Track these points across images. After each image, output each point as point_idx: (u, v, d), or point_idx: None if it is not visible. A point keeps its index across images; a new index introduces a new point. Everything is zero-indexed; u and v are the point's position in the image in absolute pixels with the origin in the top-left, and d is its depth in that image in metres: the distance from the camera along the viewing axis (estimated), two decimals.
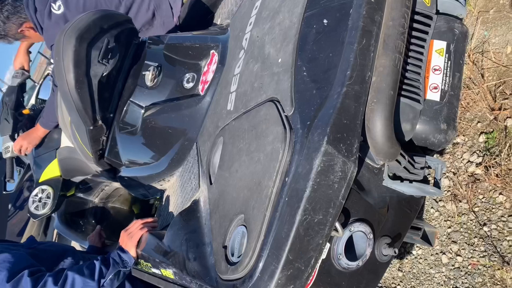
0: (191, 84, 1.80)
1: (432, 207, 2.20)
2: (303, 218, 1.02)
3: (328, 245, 1.12)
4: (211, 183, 1.47)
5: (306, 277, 1.04)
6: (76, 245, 3.16)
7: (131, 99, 1.89)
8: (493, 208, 1.96)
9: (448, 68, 1.32)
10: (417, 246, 2.13)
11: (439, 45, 1.34)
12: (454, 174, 2.15)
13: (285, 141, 1.11)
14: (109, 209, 3.13)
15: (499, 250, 1.88)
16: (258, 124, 1.25)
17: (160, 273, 1.58)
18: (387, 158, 1.13)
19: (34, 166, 3.24)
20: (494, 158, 1.99)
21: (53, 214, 3.15)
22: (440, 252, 2.10)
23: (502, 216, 1.92)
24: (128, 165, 2.18)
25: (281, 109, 1.18)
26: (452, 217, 2.11)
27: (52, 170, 3.16)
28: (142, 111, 1.88)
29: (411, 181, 1.25)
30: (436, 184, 1.28)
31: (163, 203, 1.99)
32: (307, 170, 1.04)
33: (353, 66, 1.10)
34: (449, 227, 2.10)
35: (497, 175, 1.96)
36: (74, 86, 1.73)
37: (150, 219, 1.82)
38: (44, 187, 3.14)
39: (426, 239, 1.58)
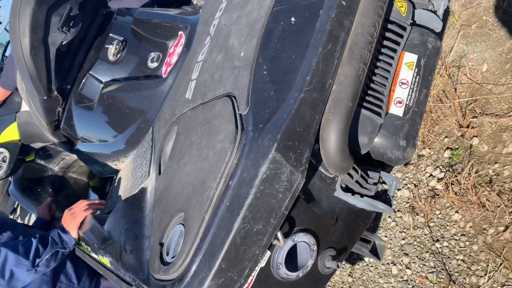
0: (155, 64, 1.72)
1: (389, 217, 2.18)
2: (241, 226, 0.96)
3: (268, 253, 1.07)
4: (159, 173, 1.40)
5: (238, 287, 0.99)
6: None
7: (90, 72, 1.79)
8: (447, 225, 1.95)
9: (416, 83, 1.27)
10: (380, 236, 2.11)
11: (410, 58, 1.29)
12: (415, 186, 2.13)
13: (234, 141, 1.05)
14: (67, 179, 3.03)
15: (447, 268, 1.88)
16: (212, 118, 1.18)
17: (98, 258, 1.51)
18: (338, 171, 1.08)
19: None
20: (456, 176, 1.97)
21: (9, 178, 3.04)
22: (391, 263, 2.09)
23: (455, 234, 1.91)
24: (84, 139, 2.09)
25: (236, 107, 1.12)
26: (408, 229, 2.09)
27: (10, 133, 3.01)
28: (101, 86, 1.79)
29: (362, 196, 1.21)
30: (388, 201, 1.25)
31: (115, 185, 1.92)
32: (252, 176, 0.98)
33: (314, 72, 1.04)
34: (403, 239, 2.09)
35: (455, 193, 1.94)
36: (29, 52, 1.63)
37: (96, 201, 1.75)
38: (0, 149, 3.01)
39: (375, 252, 1.55)
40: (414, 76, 1.27)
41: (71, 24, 1.68)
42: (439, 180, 2.06)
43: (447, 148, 2.09)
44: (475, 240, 1.83)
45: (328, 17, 1.08)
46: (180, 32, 1.67)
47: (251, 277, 1.03)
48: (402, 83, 1.26)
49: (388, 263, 2.09)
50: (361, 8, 1.11)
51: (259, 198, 0.97)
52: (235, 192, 1.00)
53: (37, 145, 3.10)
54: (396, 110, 1.24)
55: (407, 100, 1.25)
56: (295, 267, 1.19)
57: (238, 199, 0.98)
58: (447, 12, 2.01)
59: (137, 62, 1.75)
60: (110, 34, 1.81)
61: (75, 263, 1.84)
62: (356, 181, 1.17)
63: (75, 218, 1.68)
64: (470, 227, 1.87)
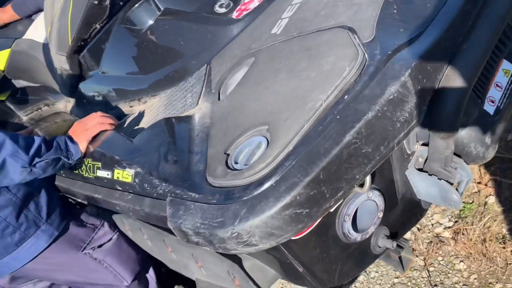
0: (223, 10, 1.61)
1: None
2: (352, 141, 0.85)
3: (359, 192, 0.95)
4: (219, 99, 1.26)
5: (323, 208, 0.86)
6: None
7: None
8: (449, 273, 1.88)
9: (509, 91, 1.25)
10: (370, 271, 1.98)
11: (508, 66, 1.27)
12: (419, 229, 2.07)
13: (355, 60, 0.95)
14: (33, 134, 2.74)
15: None
16: (316, 46, 1.09)
17: (108, 175, 1.32)
18: (446, 131, 1.00)
19: None
20: (465, 227, 1.94)
21: None
22: None
23: (456, 283, 1.84)
24: (105, 71, 1.91)
25: (354, 36, 1.03)
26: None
27: None
28: (158, 12, 1.65)
29: (440, 178, 1.13)
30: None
31: (131, 119, 1.72)
32: (376, 95, 0.88)
33: (449, 25, 0.99)
34: (397, 277, 1.99)
35: (463, 243, 1.90)
36: None
37: (111, 118, 1.57)
38: None
39: (400, 262, 1.44)
40: (509, 83, 1.25)
41: None
42: (446, 228, 2.01)
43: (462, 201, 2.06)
44: None
45: None
46: None
47: (332, 205, 0.89)
48: (497, 85, 1.24)
49: None
50: None
51: (379, 118, 0.87)
52: (351, 106, 0.89)
53: (20, 83, 2.85)
54: (488, 107, 1.20)
55: (498, 102, 1.22)
56: (355, 228, 1.07)
57: (355, 113, 0.88)
58: None
59: (204, 2, 1.64)
60: None
61: (50, 198, 1.63)
62: (445, 157, 1.09)
63: (88, 131, 1.49)
64: (475, 278, 1.81)
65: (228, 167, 0.97)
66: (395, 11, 1.05)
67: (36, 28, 2.58)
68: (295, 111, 0.95)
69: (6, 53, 2.67)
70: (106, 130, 1.53)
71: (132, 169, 1.21)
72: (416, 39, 0.98)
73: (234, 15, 1.57)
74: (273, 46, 1.24)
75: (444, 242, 1.97)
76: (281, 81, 1.08)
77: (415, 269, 1.98)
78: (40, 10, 2.59)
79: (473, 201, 2.03)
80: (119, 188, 1.29)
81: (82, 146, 1.46)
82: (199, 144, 1.16)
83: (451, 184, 1.14)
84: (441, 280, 1.88)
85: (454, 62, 0.99)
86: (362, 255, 1.15)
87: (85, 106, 2.21)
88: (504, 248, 1.81)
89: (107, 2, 1.67)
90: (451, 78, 0.97)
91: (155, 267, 1.92)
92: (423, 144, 1.18)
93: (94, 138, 1.48)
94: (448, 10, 1.01)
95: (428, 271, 1.93)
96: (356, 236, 1.07)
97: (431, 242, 2.00)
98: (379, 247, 1.16)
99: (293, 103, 0.98)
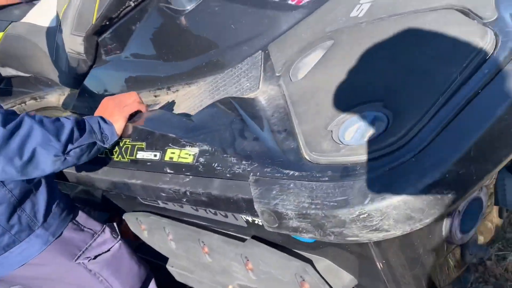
0: None
1: None
2: (503, 115, 0.74)
3: None
4: (291, 80, 1.13)
5: (468, 191, 0.74)
6: None
7: None
8: None
9: None
10: None
11: None
12: None
13: (485, 35, 0.86)
14: None
15: None
16: (422, 26, 0.99)
17: (156, 157, 1.15)
18: None
19: None
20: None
21: None
22: None
23: None
24: (128, 55, 1.74)
25: (473, 16, 0.94)
26: None
27: None
28: None
29: None
30: None
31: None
32: None
33: None
34: None
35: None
36: None
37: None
38: None
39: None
40: None
41: None
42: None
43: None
44: None
45: None
46: None
47: (470, 194, 0.77)
48: None
49: None
50: None
51: None
52: (496, 80, 0.79)
53: (7, 71, 2.63)
54: None
55: None
56: (461, 227, 0.95)
57: (502, 88, 0.77)
58: None
59: None
60: None
61: (50, 197, 1.40)
62: None
63: (126, 107, 1.30)
64: None
65: (340, 142, 0.83)
66: None
67: (39, 11, 2.39)
68: (420, 85, 0.84)
69: None
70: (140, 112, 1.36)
71: (195, 148, 1.04)
72: None
73: (293, 2, 1.46)
74: (358, 27, 1.13)
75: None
76: (384, 59, 0.97)
77: None
78: None
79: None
80: (169, 170, 1.11)
81: (119, 126, 1.27)
82: (279, 123, 1.02)
83: None
84: None
85: None
86: (456, 261, 1.03)
87: (93, 96, 2.02)
88: None
89: None
90: None
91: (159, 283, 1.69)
92: None
93: (133, 117, 1.31)
94: None
95: None
96: (460, 237, 0.95)
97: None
98: (470, 254, 1.04)
99: (414, 79, 0.87)
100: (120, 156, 1.29)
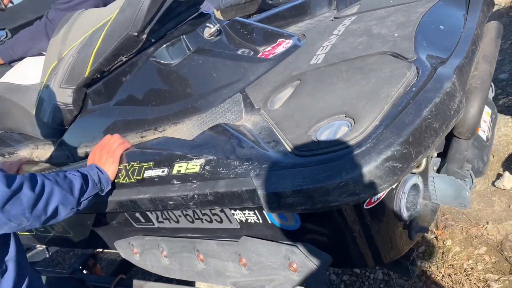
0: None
1: None
2: (427, 116, 1.11)
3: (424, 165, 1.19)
4: (270, 110, 1.46)
5: (411, 166, 1.08)
6: None
7: (184, 36, 1.88)
8: None
9: (490, 126, 1.62)
10: None
11: (487, 109, 1.66)
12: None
13: (410, 68, 1.25)
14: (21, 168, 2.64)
15: None
16: (365, 66, 1.38)
17: (164, 172, 1.41)
18: (470, 132, 1.31)
19: None
20: (430, 266, 2.21)
21: None
22: None
23: None
24: (117, 103, 2.01)
25: (400, 57, 1.35)
26: None
27: None
28: (188, 52, 1.85)
29: (456, 177, 1.41)
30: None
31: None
32: (437, 87, 1.18)
33: (467, 52, 1.36)
34: None
35: (430, 280, 2.15)
36: None
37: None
38: None
39: (407, 269, 1.63)
40: (490, 121, 1.63)
41: None
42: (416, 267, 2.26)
43: (422, 245, 2.36)
44: None
45: (471, 32, 1.45)
46: (280, 39, 1.92)
47: (411, 168, 1.11)
48: (484, 121, 1.60)
49: None
50: (485, 38, 1.51)
51: (441, 103, 1.15)
52: (421, 94, 1.16)
53: None
54: (482, 134, 1.55)
55: (486, 133, 1.58)
56: (407, 207, 1.28)
57: (425, 99, 1.15)
58: None
59: (229, 49, 1.90)
60: (209, 20, 1.97)
61: (19, 279, 1.32)
62: (461, 157, 1.38)
63: (116, 152, 1.55)
64: None
65: (319, 141, 1.15)
66: (424, 44, 1.40)
67: (17, 71, 2.62)
68: (369, 100, 1.20)
69: None
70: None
71: (201, 159, 1.32)
72: (447, 61, 1.32)
73: (262, 57, 1.84)
74: (318, 70, 1.50)
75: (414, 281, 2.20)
76: (341, 88, 1.33)
77: None
78: (24, 57, 2.66)
79: (433, 245, 2.32)
80: (176, 182, 1.37)
81: (112, 170, 1.52)
82: (267, 137, 1.33)
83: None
84: None
85: (472, 82, 1.33)
86: (405, 238, 1.34)
87: (75, 144, 2.24)
88: (467, 278, 2.09)
89: (144, 36, 1.84)
90: (473, 92, 1.31)
91: None
92: (438, 155, 1.48)
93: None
94: (462, 47, 1.38)
95: None
96: (406, 215, 1.28)
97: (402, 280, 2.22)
98: (415, 233, 1.36)
99: (365, 97, 1.23)
100: (126, 178, 1.52)
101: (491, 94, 1.78)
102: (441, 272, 2.14)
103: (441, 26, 1.52)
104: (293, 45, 1.82)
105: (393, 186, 1.22)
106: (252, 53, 1.92)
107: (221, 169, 1.27)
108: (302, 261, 1.30)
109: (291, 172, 1.12)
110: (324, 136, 1.18)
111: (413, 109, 1.12)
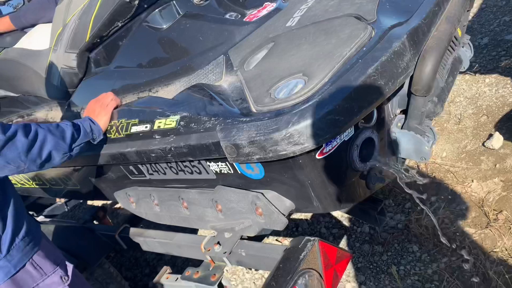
0: (233, 19, 1.98)
1: (347, 245, 2.40)
2: (372, 73, 1.21)
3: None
4: (245, 70, 1.58)
5: (353, 119, 1.19)
6: None
7: (174, 1, 1.99)
8: (404, 255, 2.22)
9: (448, 72, 1.69)
10: None
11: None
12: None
13: (365, 29, 1.34)
14: None
15: (402, 286, 2.10)
16: (330, 27, 1.47)
17: (147, 128, 1.56)
18: (425, 90, 1.40)
19: None
20: (416, 219, 2.32)
21: None
22: (345, 281, 2.25)
23: (411, 261, 2.18)
24: (117, 66, 2.15)
25: (361, 19, 1.43)
26: (365, 256, 2.32)
27: None
28: (178, 16, 1.97)
29: (416, 133, 1.51)
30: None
31: None
32: (385, 47, 1.27)
33: (427, 14, 1.43)
34: (360, 263, 2.29)
35: (416, 232, 2.27)
36: None
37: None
38: None
39: (376, 219, 1.76)
40: (447, 68, 1.70)
41: None
42: (399, 222, 2.38)
43: (409, 200, 2.47)
44: (430, 266, 2.12)
45: None
46: (266, 2, 2.01)
47: (354, 122, 1.22)
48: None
49: (341, 281, 2.25)
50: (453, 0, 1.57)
51: (388, 61, 1.24)
52: (370, 53, 1.26)
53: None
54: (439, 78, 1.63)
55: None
56: (361, 159, 1.40)
57: (372, 57, 1.24)
58: None
59: (216, 13, 2.00)
60: None
61: (16, 228, 1.43)
62: (422, 113, 1.48)
63: (108, 106, 1.72)
64: (426, 256, 2.16)
65: (276, 98, 1.27)
66: (387, 6, 1.48)
67: (30, 38, 2.78)
68: (325, 59, 1.30)
69: None
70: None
71: (177, 115, 1.46)
72: (405, 22, 1.39)
73: (246, 20, 1.94)
74: (291, 32, 1.60)
75: (399, 232, 2.33)
76: (305, 49, 1.43)
77: (375, 255, 2.30)
78: (35, 24, 2.81)
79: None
80: (157, 136, 1.52)
81: (104, 122, 1.68)
82: (237, 95, 1.46)
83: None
84: (398, 260, 2.21)
85: (429, 41, 1.41)
86: (361, 187, 1.47)
87: (83, 104, 2.41)
88: (446, 231, 2.20)
89: (136, 2, 1.97)
90: (429, 52, 1.39)
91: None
92: (401, 112, 1.57)
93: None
94: (424, 8, 1.45)
95: (387, 255, 2.26)
96: (360, 166, 1.40)
97: (387, 233, 2.35)
98: (373, 184, 1.48)
99: (322, 57, 1.33)
100: (116, 133, 1.69)
101: (465, 52, 1.84)
102: (420, 226, 2.26)
103: None
104: (276, 8, 1.91)
105: (345, 139, 1.34)
106: (239, 16, 2.02)
107: (193, 124, 1.41)
108: (265, 205, 1.45)
109: (248, 126, 1.25)
110: (281, 93, 1.30)
111: (360, 67, 1.23)
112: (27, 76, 2.71)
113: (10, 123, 1.42)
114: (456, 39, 1.72)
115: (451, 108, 2.98)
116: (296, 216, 2.73)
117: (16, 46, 2.78)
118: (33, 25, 2.83)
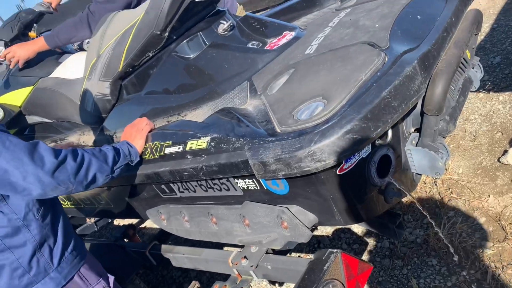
0: (255, 48, 2.14)
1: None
2: (386, 96, 1.33)
3: (390, 135, 1.43)
4: (268, 94, 1.72)
5: (370, 137, 1.31)
6: None
7: (200, 33, 2.16)
8: (424, 268, 2.30)
9: (458, 92, 1.80)
10: None
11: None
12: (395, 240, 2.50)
13: (379, 56, 1.47)
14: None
15: None
16: (346, 54, 1.60)
17: (179, 149, 1.69)
18: (436, 109, 1.51)
19: (3, 83, 3.12)
20: (435, 234, 2.40)
21: None
22: None
23: (431, 275, 2.25)
24: (147, 93, 2.31)
25: (375, 46, 1.56)
26: (385, 270, 2.39)
27: (15, 97, 3.07)
28: (205, 46, 2.14)
29: (430, 149, 1.61)
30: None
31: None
32: (398, 72, 1.39)
33: (436, 40, 1.56)
34: (381, 277, 2.37)
35: (434, 246, 2.34)
36: None
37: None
38: None
39: (394, 232, 1.86)
40: (457, 90, 1.81)
41: None
42: (418, 236, 2.46)
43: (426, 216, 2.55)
44: (449, 279, 2.18)
45: (445, 20, 1.64)
46: (285, 32, 2.16)
47: (374, 138, 1.34)
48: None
49: None
50: (461, 25, 1.69)
51: (401, 85, 1.36)
52: (383, 78, 1.39)
53: (32, 119, 3.18)
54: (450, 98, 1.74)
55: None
56: (378, 174, 1.51)
57: (386, 82, 1.37)
58: None
59: (241, 42, 2.16)
60: (224, 17, 2.24)
61: (65, 243, 1.59)
62: (434, 131, 1.59)
63: (143, 130, 1.87)
64: (445, 270, 2.23)
65: (298, 119, 1.41)
66: (399, 33, 1.61)
67: (64, 68, 2.98)
68: (342, 84, 1.43)
69: (27, 90, 3.02)
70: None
71: (207, 137, 1.60)
72: (416, 48, 1.52)
73: (268, 48, 2.09)
74: (310, 59, 1.74)
75: (418, 247, 2.41)
76: (323, 74, 1.57)
77: (395, 269, 2.37)
78: (68, 43, 2.98)
79: (437, 216, 2.51)
80: (189, 156, 1.66)
81: (140, 145, 1.84)
82: (261, 117, 1.59)
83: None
84: (418, 274, 2.29)
85: (439, 65, 1.53)
86: (380, 201, 1.58)
87: (115, 128, 2.57)
88: (464, 245, 2.27)
89: (166, 34, 2.14)
90: (439, 74, 1.51)
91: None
92: (415, 130, 1.69)
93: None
94: (433, 34, 1.58)
95: (407, 269, 2.34)
96: (378, 181, 1.51)
97: (406, 248, 2.43)
98: (390, 198, 1.59)
99: (339, 81, 1.46)
100: (151, 155, 1.83)
101: (476, 73, 1.95)
102: (439, 240, 2.33)
103: (418, 16, 1.72)
104: (295, 37, 2.07)
105: (363, 156, 1.45)
106: (260, 45, 2.17)
107: (222, 144, 1.54)
108: (290, 219, 1.57)
109: (274, 145, 1.38)
110: (303, 115, 1.43)
111: (375, 90, 1.35)
112: (61, 103, 2.89)
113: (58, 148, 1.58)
114: (466, 61, 1.84)
115: (466, 126, 3.07)
116: (317, 232, 2.83)
117: (52, 75, 2.97)
118: (65, 45, 2.99)
